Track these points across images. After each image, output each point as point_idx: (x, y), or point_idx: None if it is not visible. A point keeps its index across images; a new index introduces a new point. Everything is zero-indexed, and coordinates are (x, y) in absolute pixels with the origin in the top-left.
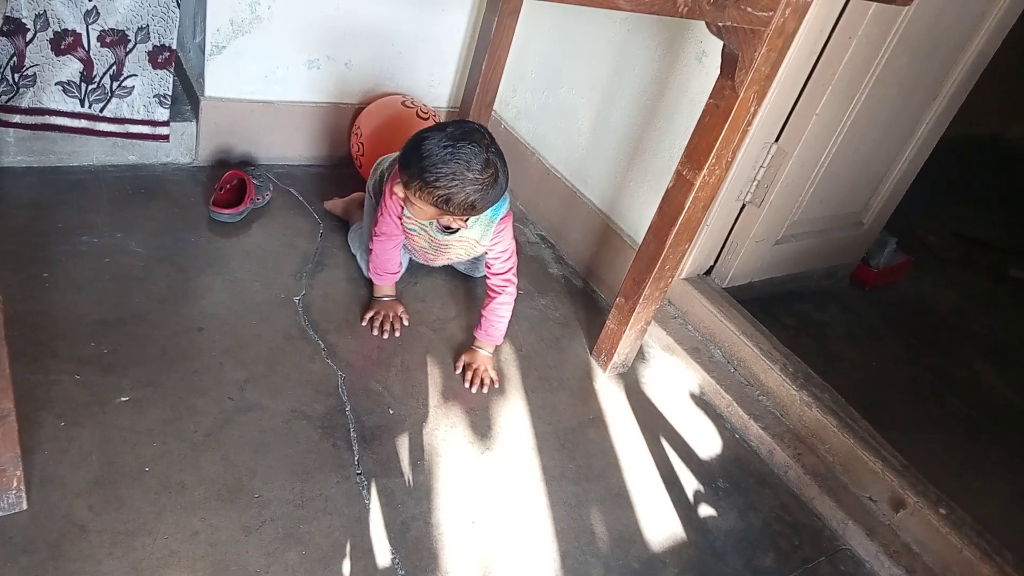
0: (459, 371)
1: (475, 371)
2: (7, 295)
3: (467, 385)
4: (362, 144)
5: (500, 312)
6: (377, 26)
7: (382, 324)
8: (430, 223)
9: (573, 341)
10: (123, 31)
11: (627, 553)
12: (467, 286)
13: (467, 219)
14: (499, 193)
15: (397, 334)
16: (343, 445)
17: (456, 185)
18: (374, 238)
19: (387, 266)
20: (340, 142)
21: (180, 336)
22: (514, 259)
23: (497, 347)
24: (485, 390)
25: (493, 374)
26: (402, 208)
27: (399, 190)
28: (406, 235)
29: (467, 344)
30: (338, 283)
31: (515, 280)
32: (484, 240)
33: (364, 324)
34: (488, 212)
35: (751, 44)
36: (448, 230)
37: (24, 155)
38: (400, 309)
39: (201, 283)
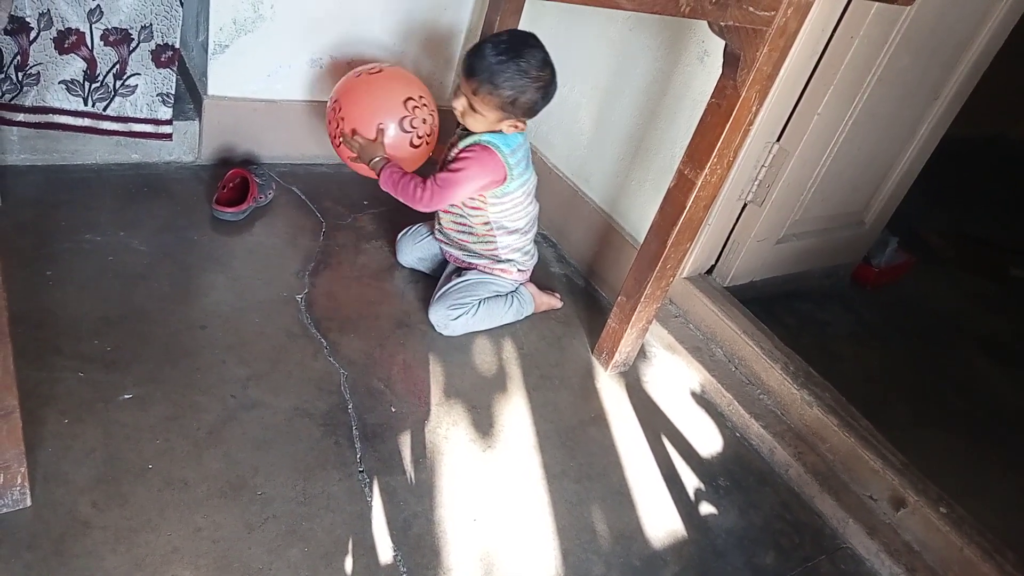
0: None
1: (351, 133)
2: (11, 293)
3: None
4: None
5: (405, 177)
6: (380, 25)
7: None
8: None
9: (575, 340)
10: (126, 30)
11: (628, 551)
12: None
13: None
14: (552, 93)
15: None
16: (345, 443)
17: (522, 84)
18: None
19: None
20: None
21: (183, 334)
22: (446, 183)
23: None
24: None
25: (353, 135)
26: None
27: (459, 103)
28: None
29: (467, 343)
30: (340, 281)
31: (433, 190)
32: (459, 147)
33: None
34: (484, 135)
35: (753, 44)
36: (465, 131)
37: (28, 153)
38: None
39: (204, 281)
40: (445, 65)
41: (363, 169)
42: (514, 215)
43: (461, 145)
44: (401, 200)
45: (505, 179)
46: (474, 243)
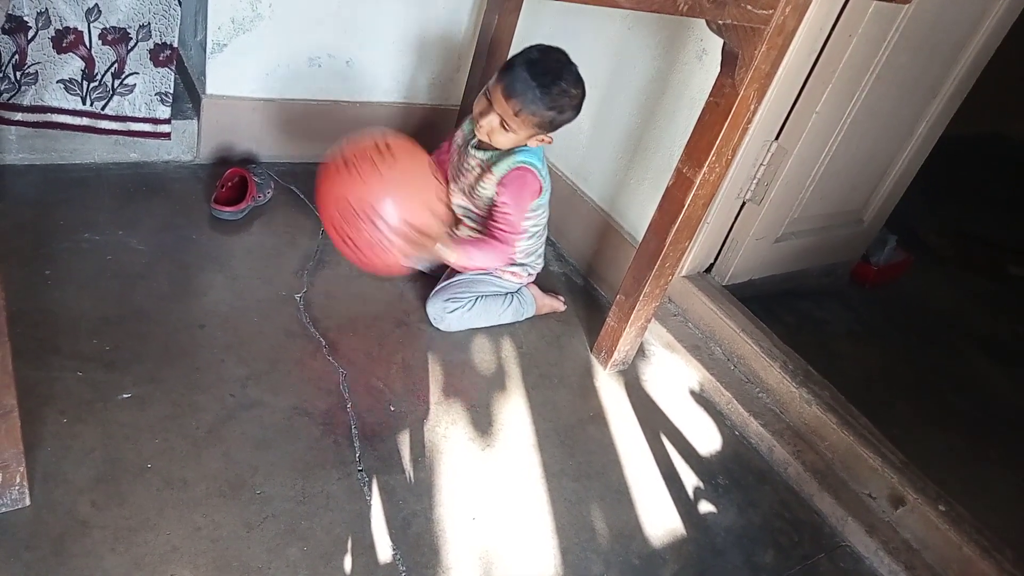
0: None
1: (421, 236)
2: (9, 292)
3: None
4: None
5: (484, 244)
6: (378, 24)
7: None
8: (471, 136)
9: (573, 338)
10: (124, 29)
11: (627, 549)
12: None
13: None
14: (582, 108)
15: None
16: (344, 442)
17: (563, 104)
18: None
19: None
20: (341, 140)
21: (181, 333)
22: (516, 227)
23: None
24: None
25: (412, 247)
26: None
27: (488, 120)
28: (449, 151)
29: (466, 342)
30: (339, 280)
31: (512, 245)
32: (497, 172)
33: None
34: (518, 154)
35: (751, 42)
36: (478, 149)
37: (26, 153)
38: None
39: (202, 280)
40: (444, 64)
41: (414, 262)
42: (537, 222)
43: (497, 172)
44: (485, 265)
45: (540, 193)
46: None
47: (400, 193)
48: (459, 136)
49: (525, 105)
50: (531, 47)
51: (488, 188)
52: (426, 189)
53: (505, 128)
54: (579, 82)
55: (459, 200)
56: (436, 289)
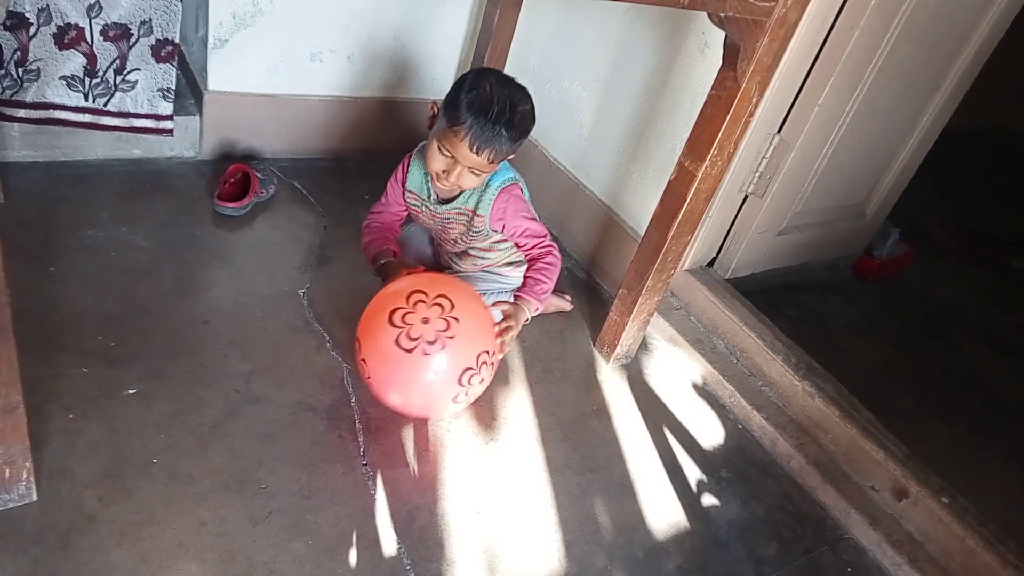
0: (498, 321)
1: (506, 328)
2: (14, 289)
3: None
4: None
5: (542, 269)
6: (379, 19)
7: None
8: (428, 195)
9: (576, 333)
10: (126, 25)
11: (631, 542)
12: None
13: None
14: (529, 127)
15: None
16: (349, 436)
17: (526, 130)
18: (369, 217)
19: (377, 234)
20: (343, 135)
21: (186, 329)
22: (541, 231)
23: (536, 317)
24: (501, 353)
25: (508, 343)
26: (405, 176)
27: (455, 174)
28: (411, 212)
29: None
30: (342, 276)
31: (553, 246)
32: (483, 211)
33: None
34: (490, 182)
35: (753, 34)
36: (444, 203)
37: (29, 150)
38: (421, 269)
39: (206, 276)
40: (445, 59)
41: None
42: None
43: (485, 210)
44: (555, 279)
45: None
46: (497, 267)
47: (476, 350)
48: (412, 198)
49: (499, 150)
50: (461, 85)
51: (483, 228)
52: (490, 322)
53: (476, 173)
54: (522, 89)
55: (458, 247)
56: None
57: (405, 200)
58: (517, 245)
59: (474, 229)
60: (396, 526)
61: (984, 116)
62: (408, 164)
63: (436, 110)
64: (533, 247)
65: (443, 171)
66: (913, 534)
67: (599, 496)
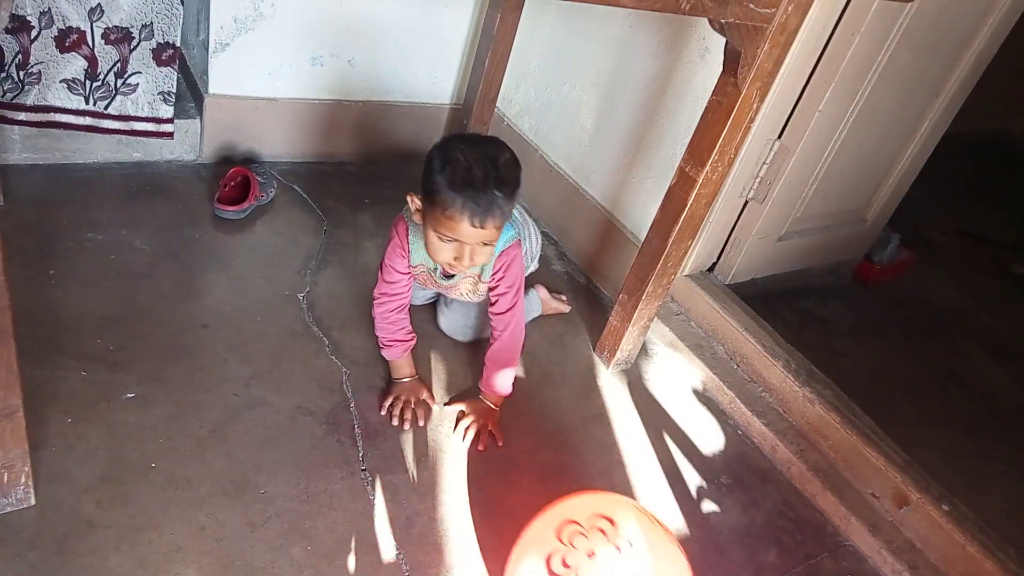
0: (456, 423)
1: (472, 424)
2: (14, 292)
3: (463, 440)
4: None
5: (500, 358)
6: (380, 23)
7: (402, 413)
8: (435, 266)
9: (576, 338)
10: (127, 28)
11: None
12: None
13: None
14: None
15: (421, 423)
16: (348, 441)
17: (515, 168)
18: (374, 301)
19: (395, 332)
20: (344, 139)
21: (185, 333)
22: (520, 300)
23: (506, 399)
24: (481, 447)
25: (495, 431)
26: (408, 255)
27: (467, 257)
28: (416, 280)
29: (471, 341)
30: (342, 279)
31: (519, 322)
32: (485, 274)
33: (383, 413)
34: (500, 240)
35: (754, 41)
36: (449, 277)
37: (29, 152)
38: (424, 393)
39: (206, 280)
40: (446, 63)
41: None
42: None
43: (487, 272)
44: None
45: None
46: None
47: None
48: (418, 269)
49: (500, 213)
50: (432, 167)
51: (484, 286)
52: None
53: (487, 243)
54: (492, 139)
55: (463, 298)
56: (448, 311)
57: (411, 270)
58: (492, 296)
59: (481, 287)
60: (395, 531)
61: (986, 122)
62: (406, 242)
63: (416, 199)
64: (503, 310)
65: (454, 258)
66: (913, 541)
67: None
